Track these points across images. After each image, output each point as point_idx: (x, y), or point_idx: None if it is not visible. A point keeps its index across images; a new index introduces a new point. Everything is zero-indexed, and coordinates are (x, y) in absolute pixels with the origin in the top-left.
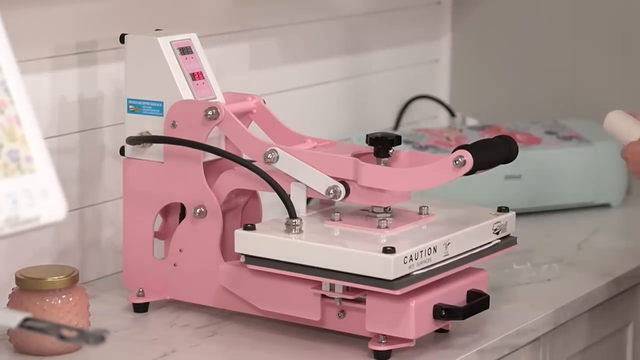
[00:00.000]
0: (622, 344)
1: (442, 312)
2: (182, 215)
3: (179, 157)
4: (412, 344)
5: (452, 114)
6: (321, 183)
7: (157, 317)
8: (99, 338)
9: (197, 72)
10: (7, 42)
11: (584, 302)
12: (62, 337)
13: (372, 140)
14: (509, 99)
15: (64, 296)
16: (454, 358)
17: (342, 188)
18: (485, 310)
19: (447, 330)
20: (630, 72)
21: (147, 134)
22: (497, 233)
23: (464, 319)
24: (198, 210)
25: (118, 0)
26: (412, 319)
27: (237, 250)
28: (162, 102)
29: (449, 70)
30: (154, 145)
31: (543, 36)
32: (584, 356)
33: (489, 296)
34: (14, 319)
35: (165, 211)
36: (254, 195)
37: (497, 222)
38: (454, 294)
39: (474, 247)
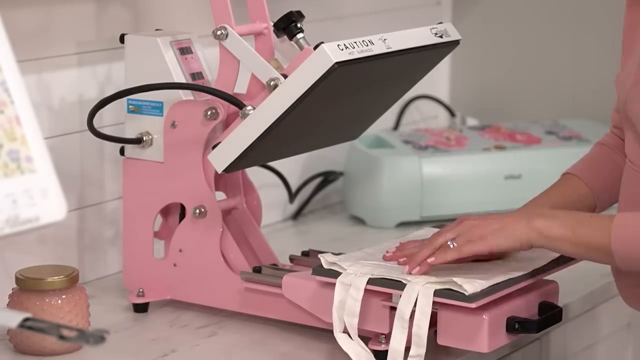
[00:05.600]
0: (622, 344)
1: (516, 325)
2: (182, 215)
3: (179, 157)
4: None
5: (452, 114)
6: (264, 71)
7: (157, 317)
8: (99, 338)
9: (197, 72)
10: (7, 42)
11: (584, 302)
12: (62, 337)
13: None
14: (509, 99)
15: (64, 296)
16: (455, 358)
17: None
18: None
19: None
20: None
21: (146, 133)
22: (440, 36)
23: (538, 332)
24: (198, 210)
25: (118, 0)
26: (486, 332)
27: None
28: (161, 102)
29: (449, 70)
30: (154, 145)
31: (543, 36)
32: (584, 356)
33: (561, 308)
34: (14, 319)
35: (165, 211)
36: (254, 195)
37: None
38: (526, 307)
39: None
